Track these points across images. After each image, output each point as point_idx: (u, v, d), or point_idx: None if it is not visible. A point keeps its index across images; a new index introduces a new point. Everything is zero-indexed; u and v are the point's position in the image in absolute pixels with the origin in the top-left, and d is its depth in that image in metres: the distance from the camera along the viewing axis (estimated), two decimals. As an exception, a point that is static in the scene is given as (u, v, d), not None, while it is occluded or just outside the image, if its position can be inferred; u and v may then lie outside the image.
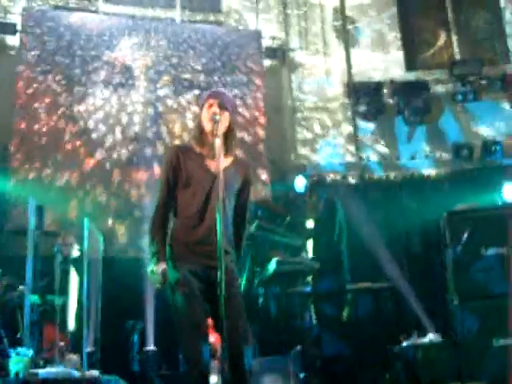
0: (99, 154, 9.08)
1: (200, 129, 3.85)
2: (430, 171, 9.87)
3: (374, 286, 7.56)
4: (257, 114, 9.84)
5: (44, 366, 5.58)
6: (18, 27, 9.48)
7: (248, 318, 3.70)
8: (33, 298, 5.88)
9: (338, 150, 10.17)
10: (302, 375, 6.03)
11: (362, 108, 10.24)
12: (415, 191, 9.56)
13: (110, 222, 8.77)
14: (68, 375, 5.21)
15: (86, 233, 6.49)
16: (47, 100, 9.23)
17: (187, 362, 3.64)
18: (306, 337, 6.75)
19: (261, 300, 6.35)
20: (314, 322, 7.00)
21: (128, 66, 9.66)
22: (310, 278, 6.92)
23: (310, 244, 7.87)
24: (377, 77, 10.46)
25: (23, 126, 9.05)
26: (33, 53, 9.43)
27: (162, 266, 3.63)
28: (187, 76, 9.79)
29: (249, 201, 4.02)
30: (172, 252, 3.72)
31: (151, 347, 7.42)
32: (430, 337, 6.70)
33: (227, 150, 3.77)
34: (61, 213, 8.55)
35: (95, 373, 5.62)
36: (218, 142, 3.63)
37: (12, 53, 9.58)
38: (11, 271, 6.64)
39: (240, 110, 9.48)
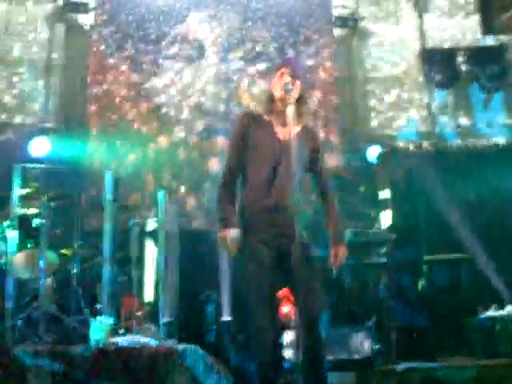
0: (172, 128, 9.19)
1: (271, 97, 3.85)
2: (507, 139, 9.56)
3: (451, 257, 7.42)
4: (328, 84, 9.72)
5: (124, 335, 5.71)
6: (91, 5, 9.65)
7: (322, 288, 3.69)
8: (110, 270, 6.00)
9: (412, 118, 9.95)
10: (376, 346, 5.99)
11: (436, 76, 9.96)
12: (492, 160, 9.28)
13: (185, 194, 8.88)
14: (146, 344, 5.32)
15: (161, 205, 6.58)
16: (120, 76, 9.38)
17: (254, 330, 3.65)
18: (381, 308, 6.69)
19: (335, 271, 6.32)
20: (389, 293, 6.93)
21: (199, 39, 9.69)
22: (384, 249, 6.84)
23: (383, 214, 7.78)
24: (451, 43, 10.16)
25: (97, 102, 9.25)
26: (105, 30, 9.58)
27: (230, 231, 3.63)
28: (257, 48, 9.75)
29: (325, 166, 4.00)
30: (241, 220, 3.72)
31: (226, 318, 7.51)
32: (509, 309, 6.54)
33: (297, 118, 3.75)
34: (137, 186, 8.72)
35: (173, 342, 5.72)
36: (290, 111, 3.61)
37: (84, 31, 9.77)
38: (89, 243, 6.83)
39: (311, 80, 9.38)
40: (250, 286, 3.61)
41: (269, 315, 3.54)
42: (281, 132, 3.75)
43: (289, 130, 3.55)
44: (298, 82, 3.79)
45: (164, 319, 6.40)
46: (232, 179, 3.81)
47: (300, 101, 3.80)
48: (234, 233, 3.63)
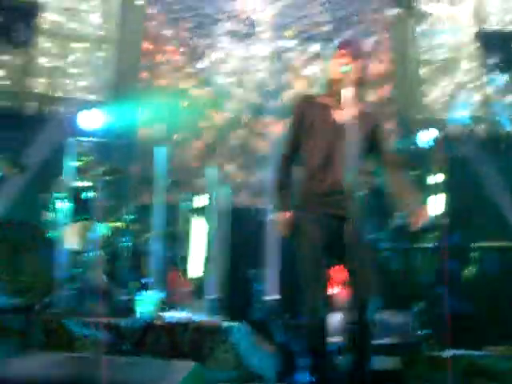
0: (223, 105, 9.20)
1: (329, 78, 3.81)
2: None
3: (503, 244, 7.27)
4: (382, 66, 9.58)
5: (170, 310, 5.77)
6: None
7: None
8: (159, 245, 6.05)
9: (467, 103, 9.74)
10: (423, 332, 5.94)
11: (494, 59, 9.71)
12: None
13: (236, 172, 8.90)
14: (192, 319, 5.36)
15: (213, 182, 6.60)
16: (173, 51, 9.41)
17: (306, 311, 3.66)
18: (428, 294, 6.61)
19: (385, 254, 6.27)
20: (438, 278, 6.84)
21: (252, 18, 9.64)
22: (435, 234, 6.74)
23: (434, 199, 7.64)
24: (510, 25, 9.88)
25: (149, 76, 9.32)
26: (159, 5, 9.60)
27: (287, 214, 3.65)
28: (312, 28, 9.65)
29: (384, 142, 3.94)
30: (296, 202, 3.73)
31: (274, 296, 7.52)
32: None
33: (355, 100, 3.70)
34: (187, 161, 8.76)
35: (218, 318, 5.76)
36: (347, 93, 3.57)
37: (139, 5, 9.80)
38: (139, 218, 6.89)
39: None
40: (303, 266, 3.61)
41: (321, 295, 3.55)
42: (338, 115, 3.71)
43: (345, 113, 3.50)
44: (356, 63, 3.73)
45: (210, 295, 6.43)
46: (289, 162, 3.83)
47: (359, 83, 3.75)
48: (288, 215, 3.63)
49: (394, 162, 3.90)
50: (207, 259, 6.86)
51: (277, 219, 3.70)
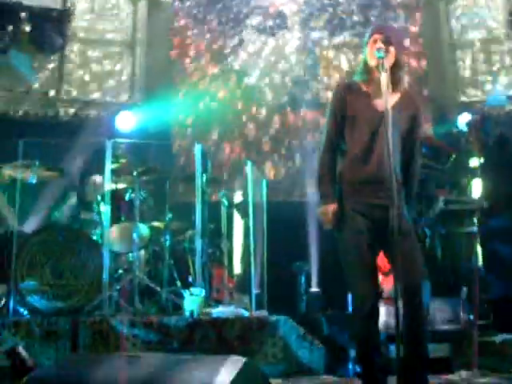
0: (257, 100, 9.19)
1: (365, 65, 3.76)
2: None
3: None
4: (415, 49, 9.48)
5: (216, 306, 5.79)
6: (173, -20, 9.72)
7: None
8: (201, 242, 6.06)
9: (503, 84, 9.58)
10: (472, 317, 5.85)
11: (530, 39, 9.53)
12: None
13: (271, 166, 8.89)
14: (239, 314, 5.37)
15: (249, 177, 6.59)
16: (203, 49, 9.43)
17: (354, 301, 3.66)
18: (473, 278, 6.52)
19: (427, 241, 6.19)
20: (481, 263, 6.74)
21: (281, 10, 9.60)
22: (477, 218, 6.64)
23: (475, 183, 7.54)
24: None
25: (181, 75, 9.35)
26: (187, 3, 9.62)
27: (332, 206, 3.61)
28: (342, 16, 9.58)
29: (419, 138, 3.88)
30: (338, 191, 3.69)
31: (316, 289, 7.51)
32: None
33: (394, 85, 3.64)
34: (223, 157, 8.78)
35: (264, 312, 5.76)
36: (384, 78, 3.51)
37: (166, 6, 9.83)
38: (180, 217, 6.92)
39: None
40: (349, 255, 3.59)
41: (369, 284, 3.52)
42: (378, 102, 3.66)
43: (386, 99, 3.45)
44: (391, 48, 3.68)
45: (254, 290, 6.44)
46: (331, 152, 3.76)
47: (396, 67, 3.69)
48: (333, 207, 3.60)
49: (411, 175, 3.81)
50: (247, 254, 6.86)
51: (321, 212, 3.66)
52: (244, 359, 3.07)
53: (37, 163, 6.05)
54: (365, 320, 3.54)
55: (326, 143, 3.77)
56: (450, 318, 5.70)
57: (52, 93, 9.20)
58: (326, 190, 3.68)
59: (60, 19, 8.91)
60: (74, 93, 9.33)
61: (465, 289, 6.04)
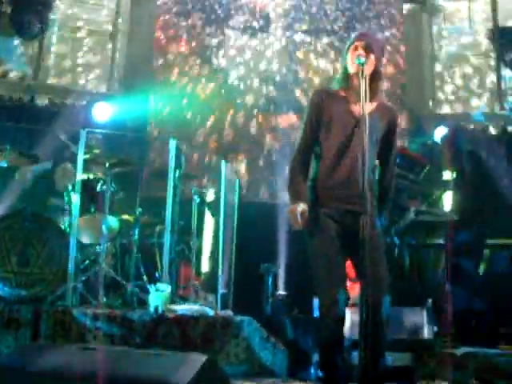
0: (236, 100, 9.17)
1: (345, 71, 3.76)
2: None
3: (512, 242, 7.22)
4: (396, 60, 9.53)
5: (181, 303, 5.75)
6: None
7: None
8: (171, 238, 6.02)
9: (480, 99, 9.68)
10: (435, 329, 5.89)
11: (508, 56, 9.63)
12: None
13: (244, 166, 8.88)
14: (204, 313, 5.34)
15: (223, 176, 6.56)
16: (184, 44, 9.39)
17: (322, 306, 3.62)
18: (439, 290, 6.57)
19: (396, 250, 6.22)
20: (448, 275, 6.80)
21: (265, 11, 9.60)
22: (446, 230, 6.70)
23: (446, 196, 7.61)
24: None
25: (160, 69, 9.30)
26: (171, -1, 9.59)
27: (301, 206, 3.60)
28: (325, 22, 9.60)
29: (394, 149, 3.89)
30: (310, 195, 3.69)
31: (282, 291, 7.51)
32: None
33: (372, 94, 3.64)
34: (198, 156, 8.75)
35: (229, 312, 5.74)
36: (363, 84, 3.51)
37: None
38: (151, 211, 6.87)
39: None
40: (319, 260, 3.58)
41: (338, 290, 3.51)
42: (356, 109, 3.66)
43: (362, 107, 3.45)
44: (372, 56, 3.68)
45: (221, 289, 6.42)
46: (304, 155, 3.76)
47: (375, 76, 3.70)
48: (302, 208, 3.58)
49: (384, 194, 3.80)
50: (215, 253, 6.83)
51: (289, 211, 3.65)
52: (205, 357, 3.03)
53: (8, 147, 5.96)
54: (332, 325, 3.52)
55: (300, 146, 3.77)
56: (414, 329, 5.73)
57: (29, 78, 9.09)
58: (295, 190, 3.67)
59: (41, 4, 8.81)
60: (52, 80, 9.23)
61: (430, 300, 6.07)
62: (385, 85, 3.89)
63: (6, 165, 6.05)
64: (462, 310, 6.71)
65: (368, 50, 3.68)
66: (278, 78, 9.29)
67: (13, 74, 8.99)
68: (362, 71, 3.55)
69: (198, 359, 3.02)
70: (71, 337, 4.92)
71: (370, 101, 3.61)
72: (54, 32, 9.32)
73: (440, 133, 8.40)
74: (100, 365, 3.02)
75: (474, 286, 7.10)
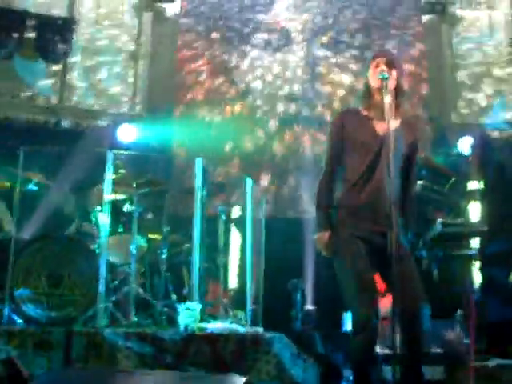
0: (258, 115, 9.21)
1: (367, 89, 3.77)
2: None
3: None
4: (417, 71, 9.52)
5: (211, 321, 5.76)
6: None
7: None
8: (198, 256, 6.05)
9: (503, 108, 9.62)
10: (466, 341, 5.84)
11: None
12: None
13: (270, 182, 8.90)
14: (234, 330, 5.34)
15: (248, 193, 6.58)
16: (206, 63, 9.46)
17: (355, 323, 3.62)
18: (469, 301, 6.51)
19: (424, 262, 6.18)
20: (478, 286, 6.75)
21: (284, 27, 9.65)
22: (474, 241, 6.65)
23: (473, 206, 7.56)
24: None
25: (183, 89, 9.37)
26: (191, 19, 9.67)
27: (326, 234, 3.62)
28: (344, 36, 9.63)
29: (416, 164, 3.90)
30: (337, 217, 3.70)
31: (311, 306, 7.50)
32: None
33: (395, 110, 3.65)
34: (224, 174, 8.78)
35: (259, 329, 5.73)
36: (388, 100, 3.52)
37: (171, 19, 9.89)
38: (178, 230, 6.90)
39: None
40: (349, 277, 3.58)
41: (370, 304, 3.51)
42: (379, 126, 3.67)
43: (387, 123, 3.45)
44: (394, 72, 3.70)
45: (250, 306, 6.42)
46: (330, 178, 3.79)
47: (398, 92, 3.71)
48: (328, 235, 3.61)
49: (406, 208, 3.81)
50: (242, 270, 6.84)
51: (317, 238, 3.68)
52: (243, 379, 3.05)
53: (37, 171, 6.05)
54: (365, 343, 3.52)
55: (326, 170, 3.81)
56: (446, 341, 5.69)
57: (54, 100, 9.21)
58: (321, 217, 3.69)
59: (65, 27, 8.94)
60: (76, 102, 9.34)
61: (460, 312, 6.03)
62: (407, 97, 3.89)
63: (36, 188, 6.12)
64: (495, 321, 6.64)
65: (390, 65, 3.70)
66: (300, 94, 9.31)
67: (39, 97, 9.11)
68: (386, 86, 3.56)
69: (237, 381, 3.02)
70: (103, 357, 4.93)
71: (394, 117, 3.62)
72: (78, 53, 9.44)
73: (465, 143, 8.36)
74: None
75: (506, 297, 7.03)
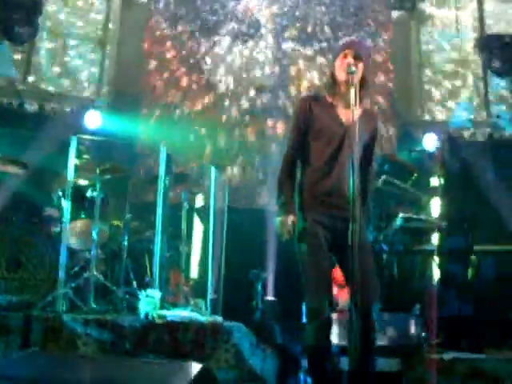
0: (225, 105, 9.19)
1: (333, 78, 3.80)
2: None
3: (502, 248, 7.28)
4: (384, 67, 9.59)
5: (171, 309, 5.76)
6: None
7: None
8: (160, 244, 6.03)
9: (467, 106, 9.76)
10: (422, 334, 5.92)
11: (495, 63, 9.71)
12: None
13: (234, 172, 8.89)
14: (194, 319, 5.35)
15: (212, 182, 6.57)
16: (174, 51, 9.40)
17: (309, 311, 3.67)
18: (429, 295, 6.61)
19: (384, 256, 6.25)
20: (436, 281, 6.85)
21: (254, 18, 9.63)
22: (434, 236, 6.75)
23: (435, 202, 7.67)
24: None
25: (150, 76, 9.30)
26: (160, 4, 9.59)
27: (291, 217, 3.64)
28: (313, 29, 9.64)
29: (374, 153, 3.96)
30: (299, 202, 3.73)
31: (272, 297, 7.53)
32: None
33: (359, 101, 3.70)
34: (188, 161, 8.75)
35: (219, 318, 5.75)
36: (353, 93, 3.56)
37: (140, 5, 9.79)
38: (141, 217, 6.88)
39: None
40: (307, 267, 3.61)
41: (325, 296, 3.55)
42: (343, 115, 3.72)
43: (351, 113, 3.50)
44: (360, 64, 3.74)
45: (210, 295, 6.43)
46: (293, 162, 3.81)
47: (362, 83, 3.75)
48: (291, 219, 3.63)
49: (364, 183, 3.86)
50: (204, 259, 6.84)
51: (280, 222, 3.69)
52: (200, 365, 3.05)
53: None
54: (318, 331, 3.56)
55: (288, 153, 3.81)
56: (402, 334, 5.76)
57: (18, 83, 9.08)
58: (284, 200, 3.71)
59: (31, 10, 8.80)
60: (41, 85, 9.21)
61: (418, 305, 6.11)
62: (373, 91, 3.94)
63: (-5, 171, 6.04)
64: (450, 316, 6.76)
65: (357, 58, 3.73)
66: (266, 84, 9.31)
67: (2, 79, 8.97)
68: (352, 79, 3.60)
69: (194, 367, 3.03)
70: (61, 343, 4.90)
71: (358, 107, 3.67)
72: (44, 37, 9.30)
73: (430, 139, 8.46)
74: (92, 374, 3.03)
75: (462, 292, 7.15)
